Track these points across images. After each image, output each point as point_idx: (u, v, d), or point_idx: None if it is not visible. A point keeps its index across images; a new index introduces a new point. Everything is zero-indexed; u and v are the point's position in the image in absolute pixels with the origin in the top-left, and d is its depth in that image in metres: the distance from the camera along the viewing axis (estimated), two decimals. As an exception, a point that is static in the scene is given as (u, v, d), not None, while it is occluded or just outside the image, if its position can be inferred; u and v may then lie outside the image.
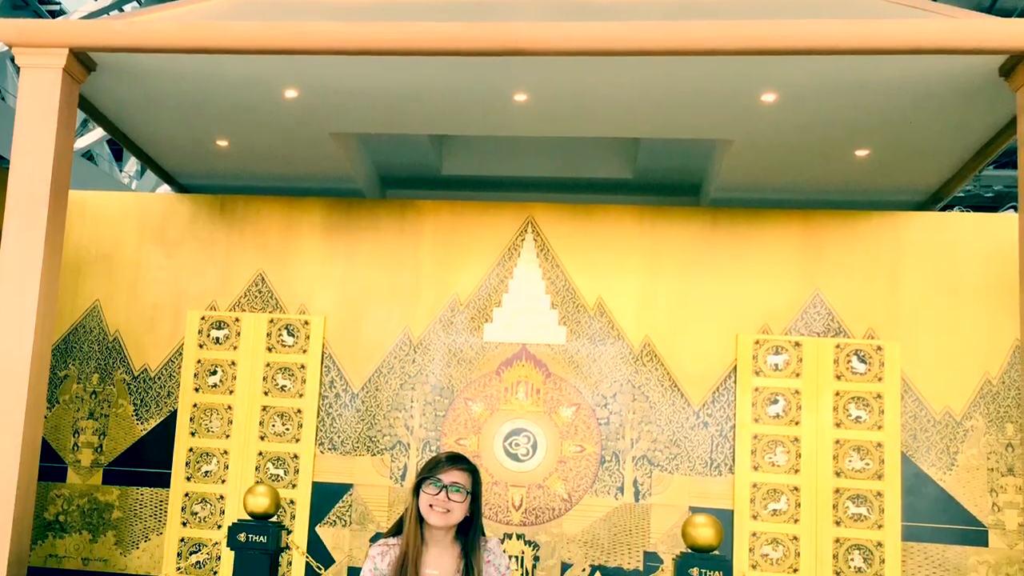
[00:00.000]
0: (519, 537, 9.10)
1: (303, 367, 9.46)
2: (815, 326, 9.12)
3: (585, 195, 11.01)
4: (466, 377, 9.37)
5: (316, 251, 9.66)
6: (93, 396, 9.67)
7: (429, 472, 4.25)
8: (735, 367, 9.13)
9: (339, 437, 9.36)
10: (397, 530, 4.36)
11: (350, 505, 9.25)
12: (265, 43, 7.18)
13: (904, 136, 8.47)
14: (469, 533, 4.28)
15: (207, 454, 9.43)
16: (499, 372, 9.34)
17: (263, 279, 9.66)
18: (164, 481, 9.47)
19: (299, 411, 9.39)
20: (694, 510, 8.70)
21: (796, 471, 8.88)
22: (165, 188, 17.27)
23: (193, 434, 9.46)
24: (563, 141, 10.37)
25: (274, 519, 7.34)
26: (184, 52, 7.33)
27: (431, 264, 9.55)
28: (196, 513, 9.36)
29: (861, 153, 8.93)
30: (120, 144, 9.61)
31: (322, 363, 9.46)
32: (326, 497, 9.29)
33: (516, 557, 9.03)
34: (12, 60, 14.50)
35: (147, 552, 9.41)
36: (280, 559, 8.03)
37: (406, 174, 10.96)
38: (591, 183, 11.00)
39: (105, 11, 22.13)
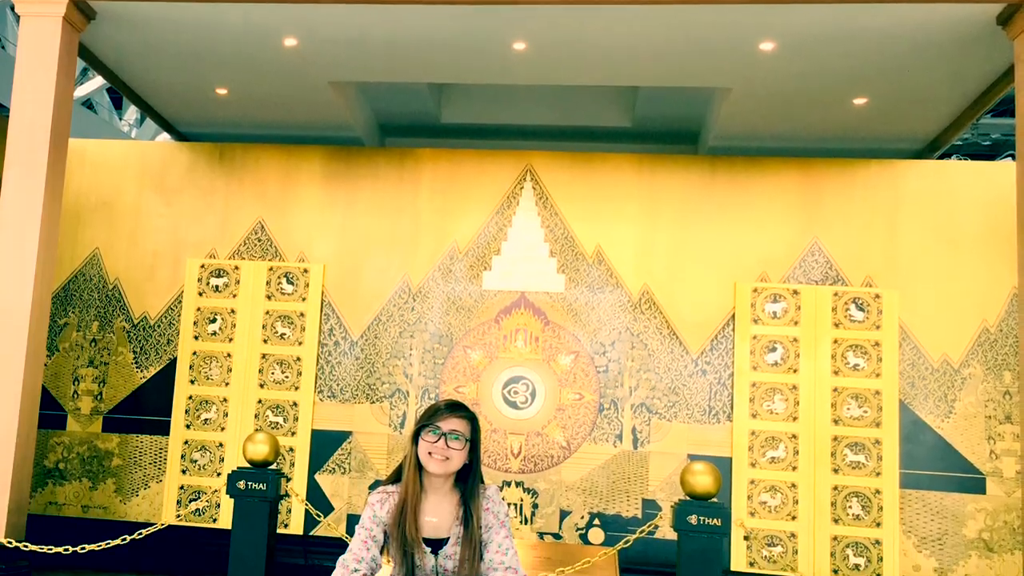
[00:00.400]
0: (518, 485, 9.15)
1: (302, 315, 9.48)
2: (813, 274, 9.13)
3: (584, 143, 11.00)
4: (465, 325, 9.39)
5: (315, 199, 9.66)
6: (93, 344, 9.69)
7: (428, 420, 4.24)
8: (733, 315, 9.15)
9: (338, 385, 9.40)
10: (396, 478, 4.36)
11: (349, 452, 9.30)
12: (263, -10, 7.17)
13: (902, 84, 8.46)
14: (468, 481, 4.28)
15: (207, 402, 9.47)
16: (498, 320, 9.36)
17: (262, 227, 9.66)
18: (164, 429, 9.51)
19: (298, 359, 9.42)
20: (692, 458, 8.76)
21: (794, 419, 8.92)
22: (165, 136, 17.24)
23: (193, 382, 9.50)
24: (562, 89, 10.33)
25: (273, 466, 7.37)
26: (183, 0, 7.31)
27: (430, 212, 9.55)
28: (196, 461, 9.41)
29: (859, 101, 8.92)
30: (120, 92, 9.60)
31: (321, 311, 9.48)
32: (325, 444, 9.34)
33: (515, 504, 9.09)
34: (12, 9, 14.45)
35: (147, 499, 9.46)
36: (279, 506, 8.08)
37: (405, 122, 10.94)
38: (590, 131, 10.99)
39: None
